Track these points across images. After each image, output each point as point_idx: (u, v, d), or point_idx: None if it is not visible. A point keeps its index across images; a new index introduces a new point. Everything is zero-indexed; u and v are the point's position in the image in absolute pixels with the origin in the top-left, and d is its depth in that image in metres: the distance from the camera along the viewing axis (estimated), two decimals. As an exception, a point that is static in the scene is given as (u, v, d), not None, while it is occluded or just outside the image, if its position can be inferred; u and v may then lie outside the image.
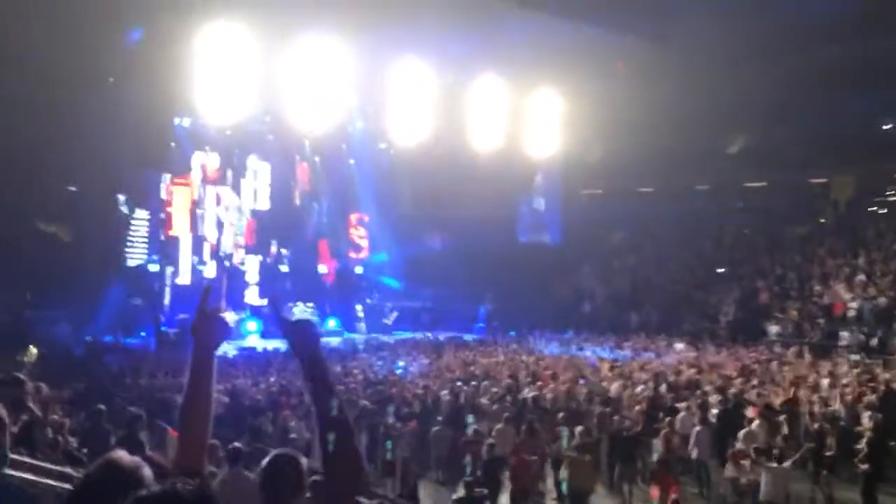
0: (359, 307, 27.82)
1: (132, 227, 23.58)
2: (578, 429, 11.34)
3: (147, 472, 1.97)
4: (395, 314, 28.50)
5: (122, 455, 2.01)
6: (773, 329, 23.24)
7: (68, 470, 6.49)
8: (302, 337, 2.16)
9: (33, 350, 16.16)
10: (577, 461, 10.69)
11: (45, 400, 10.26)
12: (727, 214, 30.43)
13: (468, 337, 26.29)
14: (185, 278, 25.18)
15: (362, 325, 27.39)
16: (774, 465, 10.38)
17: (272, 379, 16.54)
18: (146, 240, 24.03)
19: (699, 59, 27.01)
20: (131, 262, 23.06)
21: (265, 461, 3.02)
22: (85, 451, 9.03)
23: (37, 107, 19.68)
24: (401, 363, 19.09)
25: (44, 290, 20.03)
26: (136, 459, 2.01)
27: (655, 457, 11.60)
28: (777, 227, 28.78)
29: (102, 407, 10.13)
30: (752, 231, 29.47)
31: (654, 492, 10.29)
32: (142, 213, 24.09)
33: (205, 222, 26.24)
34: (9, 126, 19.51)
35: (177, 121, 23.85)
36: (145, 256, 23.67)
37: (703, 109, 27.61)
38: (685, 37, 25.99)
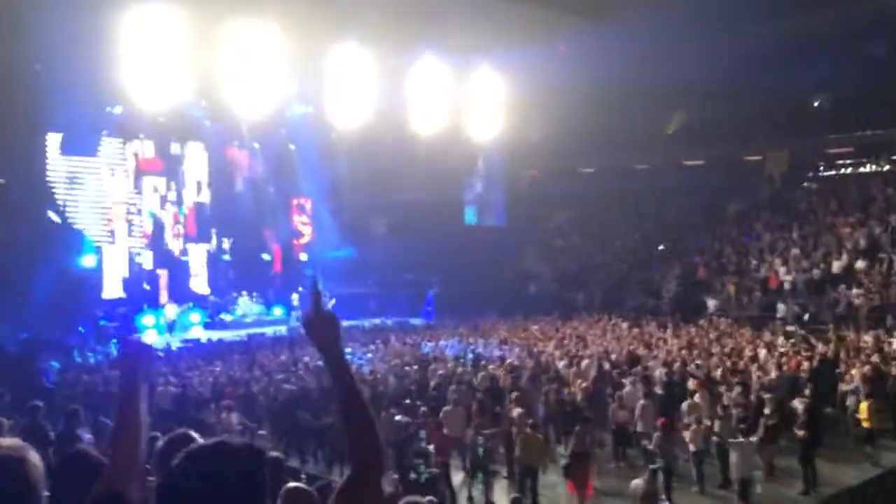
0: (294, 296, 27.59)
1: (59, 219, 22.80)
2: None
3: (34, 455, 1.94)
4: (332, 301, 28.23)
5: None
6: (712, 303, 23.83)
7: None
8: (324, 332, 2.14)
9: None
10: (528, 437, 10.82)
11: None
12: (667, 193, 31.01)
13: (416, 321, 26.30)
14: (121, 271, 24.54)
15: (277, 310, 27.13)
16: (741, 439, 10.61)
17: (217, 370, 16.28)
18: (76, 232, 23.25)
19: (637, 39, 27.33)
20: (54, 257, 22.23)
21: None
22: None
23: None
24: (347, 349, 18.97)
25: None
26: (20, 442, 1.97)
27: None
28: (715, 204, 29.47)
29: (39, 403, 9.82)
30: (691, 208, 30.11)
31: (569, 486, 10.48)
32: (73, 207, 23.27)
33: (141, 213, 25.56)
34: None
35: (108, 109, 23.04)
36: (75, 247, 22.92)
37: (642, 89, 28.01)
38: (622, 16, 26.24)
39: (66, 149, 22.55)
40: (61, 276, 21.94)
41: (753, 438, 10.85)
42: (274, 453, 5.71)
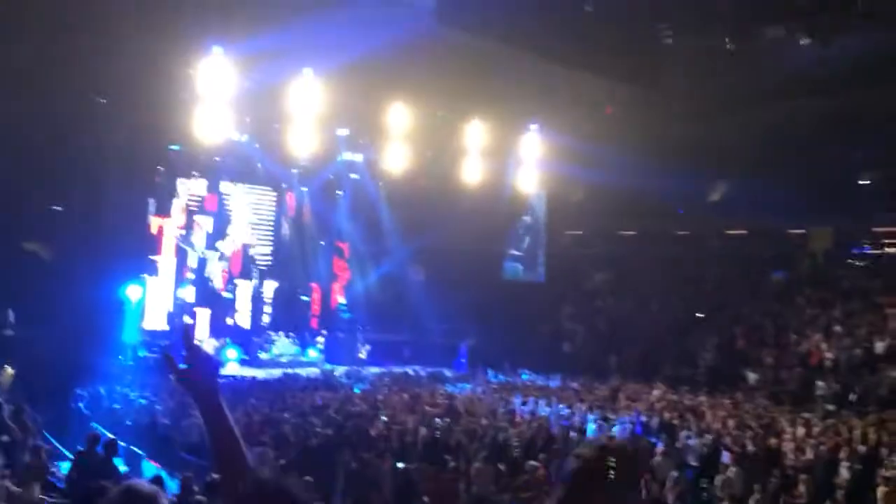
0: (320, 339, 27.89)
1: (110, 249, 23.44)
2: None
3: (164, 501, 2.06)
4: (367, 347, 28.43)
5: (141, 483, 2.10)
6: (752, 376, 23.45)
7: (46, 498, 6.49)
8: (202, 381, 2.21)
9: (9, 370, 16.00)
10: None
11: (25, 422, 10.21)
12: (707, 260, 30.82)
13: (448, 373, 26.29)
14: (165, 304, 25.05)
15: (312, 352, 27.28)
16: None
17: (250, 408, 16.44)
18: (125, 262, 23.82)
19: (684, 105, 27.64)
20: (102, 284, 22.83)
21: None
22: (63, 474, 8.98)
23: (26, 125, 19.70)
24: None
25: (26, 309, 19.86)
26: (155, 488, 2.09)
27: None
28: (756, 275, 29.18)
29: (99, 435, 10.06)
30: (732, 278, 29.83)
31: None
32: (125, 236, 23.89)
33: (189, 249, 26.16)
34: (2, 147, 19.53)
35: (169, 146, 23.98)
36: (122, 277, 23.47)
37: (686, 156, 28.14)
38: (671, 84, 26.60)
39: (122, 182, 23.29)
40: (106, 304, 22.53)
41: None
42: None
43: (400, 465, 11.41)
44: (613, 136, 27.32)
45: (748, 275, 29.41)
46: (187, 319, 24.78)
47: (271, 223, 28.74)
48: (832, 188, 28.01)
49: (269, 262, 28.35)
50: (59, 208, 22.39)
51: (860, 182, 28.61)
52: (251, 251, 27.98)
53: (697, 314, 28.54)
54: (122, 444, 11.71)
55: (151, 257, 24.82)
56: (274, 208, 28.79)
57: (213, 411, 2.27)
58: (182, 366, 2.31)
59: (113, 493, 2.08)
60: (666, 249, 31.65)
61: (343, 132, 26.79)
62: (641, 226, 32.44)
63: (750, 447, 14.55)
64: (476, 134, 28.36)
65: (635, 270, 31.61)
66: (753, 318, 26.83)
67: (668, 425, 16.57)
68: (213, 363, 2.37)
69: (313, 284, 29.52)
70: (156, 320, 24.53)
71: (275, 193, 28.69)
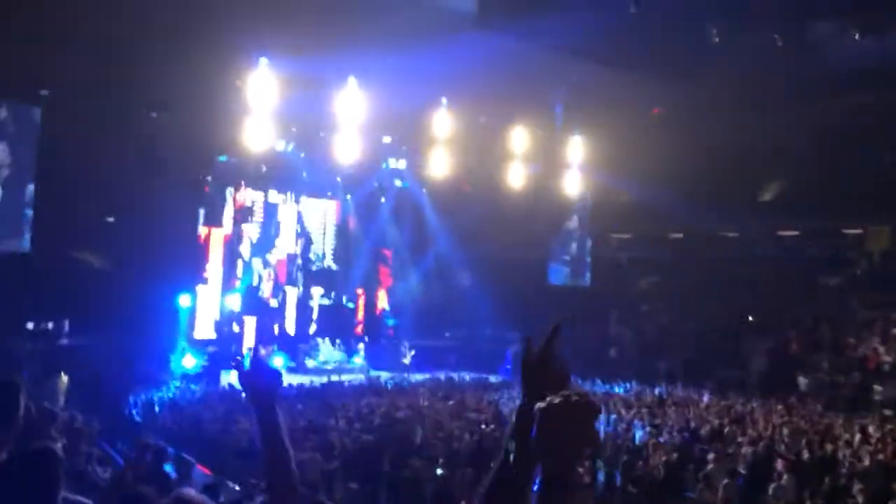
0: (360, 345, 28.09)
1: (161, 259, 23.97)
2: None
3: None
4: (412, 352, 28.50)
5: (191, 493, 2.13)
6: (804, 381, 22.84)
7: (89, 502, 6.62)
8: (263, 392, 2.25)
9: (64, 378, 16.44)
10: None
11: (78, 430, 10.45)
12: (759, 262, 30.14)
13: (493, 378, 26.18)
14: (213, 313, 25.49)
15: (357, 358, 27.43)
16: None
17: (297, 415, 16.60)
18: (175, 272, 24.32)
19: (733, 103, 27.09)
20: (153, 294, 23.39)
21: None
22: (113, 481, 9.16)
23: (78, 140, 20.30)
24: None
25: (80, 318, 20.43)
26: (204, 497, 2.12)
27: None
28: (810, 277, 28.43)
29: (164, 446, 10.25)
30: (785, 280, 29.12)
31: None
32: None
33: (236, 259, 26.59)
34: (54, 161, 20.17)
35: (220, 158, 24.50)
36: (172, 286, 23.98)
37: (736, 155, 27.59)
38: (719, 83, 26.09)
39: (172, 193, 23.79)
40: (158, 313, 23.08)
41: None
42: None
43: (440, 471, 11.38)
44: (660, 137, 26.92)
45: (802, 277, 28.68)
46: (235, 328, 25.22)
47: (317, 231, 29.04)
48: (889, 185, 27.13)
49: (315, 270, 28.64)
50: (111, 219, 22.98)
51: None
52: (297, 259, 28.32)
53: (748, 318, 27.94)
54: (172, 450, 11.92)
55: (201, 266, 25.29)
56: (319, 216, 29.08)
57: (269, 421, 2.33)
58: (247, 369, 2.39)
59: (166, 501, 2.14)
60: (716, 252, 31.06)
61: (387, 139, 27.00)
62: (690, 228, 31.90)
63: (804, 454, 14.15)
64: (520, 138, 28.29)
65: (684, 274, 31.07)
66: (808, 322, 26.16)
67: (718, 432, 16.22)
68: (276, 376, 2.42)
69: (358, 291, 29.74)
70: (205, 329, 24.98)
71: (320, 201, 28.99)
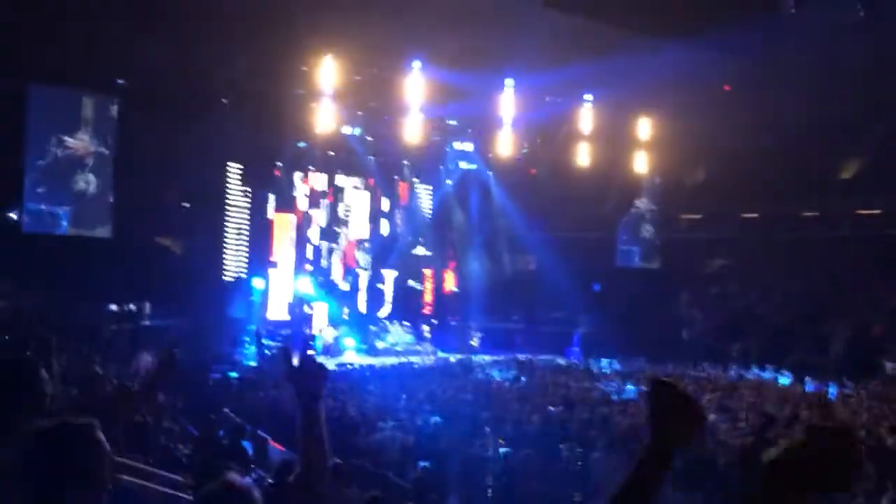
0: (426, 327, 28.25)
1: (235, 243, 24.61)
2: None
3: (258, 495, 2.16)
4: (478, 335, 28.56)
5: (237, 477, 2.21)
6: (889, 365, 22.00)
7: (178, 478, 6.89)
8: (309, 386, 2.31)
9: (148, 358, 17.08)
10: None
11: (159, 406, 10.89)
12: (838, 243, 29.05)
13: (562, 361, 26.06)
14: (286, 295, 26.03)
15: (427, 346, 27.55)
16: None
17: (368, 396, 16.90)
18: (248, 255, 24.92)
19: (809, 78, 26.10)
20: (228, 277, 24.04)
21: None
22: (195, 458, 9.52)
23: (156, 128, 20.97)
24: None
25: (160, 300, 21.20)
26: (249, 482, 2.20)
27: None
28: (892, 257, 27.25)
29: (213, 416, 10.65)
30: (866, 260, 28.01)
31: None
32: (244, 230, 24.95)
33: (307, 243, 27.06)
34: (133, 149, 20.92)
35: (299, 144, 24.96)
36: (245, 269, 24.59)
37: (814, 132, 26.61)
38: (795, 55, 25.16)
39: (244, 179, 24.40)
40: (234, 294, 23.78)
41: None
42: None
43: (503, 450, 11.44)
44: (731, 115, 26.15)
45: (883, 257, 27.52)
46: (307, 310, 25.72)
47: (385, 214, 29.31)
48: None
49: (383, 252, 28.95)
50: (187, 205, 23.72)
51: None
52: (365, 242, 28.66)
53: (826, 300, 27.01)
54: (249, 427, 12.29)
55: (273, 250, 25.86)
56: (387, 199, 29.33)
57: (311, 415, 2.39)
58: (295, 363, 2.44)
59: (213, 485, 2.21)
60: (791, 232, 30.08)
61: (453, 121, 27.01)
62: (765, 208, 30.96)
63: (887, 441, 13.67)
64: (588, 117, 27.91)
65: (758, 254, 30.19)
66: (891, 303, 25.14)
67: (796, 417, 15.79)
68: (323, 372, 2.46)
69: (426, 272, 29.95)
70: (278, 310, 25.57)
71: (388, 184, 29.23)
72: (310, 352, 2.56)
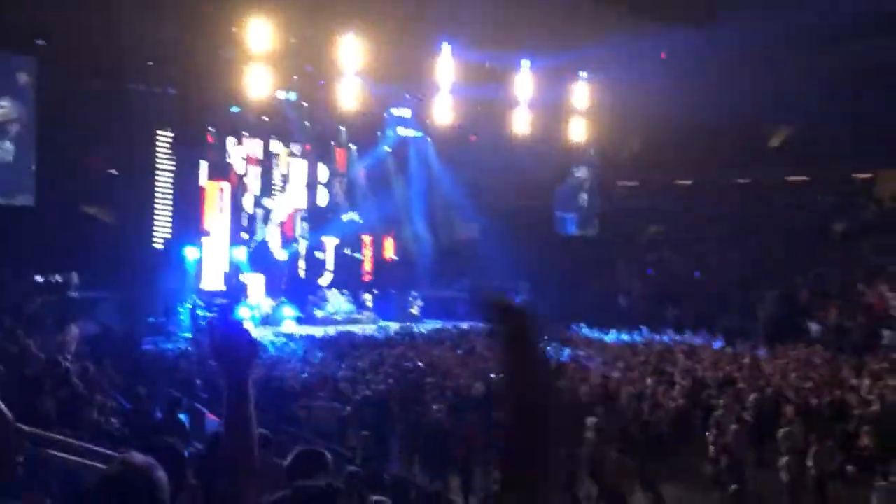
0: (367, 296, 28.13)
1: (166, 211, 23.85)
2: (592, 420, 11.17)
3: (161, 474, 2.01)
4: (419, 303, 28.53)
5: (137, 456, 2.06)
6: (814, 328, 22.85)
7: (110, 452, 6.63)
8: (236, 358, 2.19)
9: (75, 330, 16.50)
10: (616, 462, 10.49)
11: (90, 380, 10.53)
12: (768, 210, 29.92)
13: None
14: (221, 265, 25.42)
15: (367, 314, 27.42)
16: (883, 483, 9.58)
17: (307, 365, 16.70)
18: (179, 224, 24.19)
19: (742, 49, 26.57)
20: (158, 246, 23.30)
21: (291, 458, 3.04)
22: (127, 431, 9.23)
23: (81, 92, 20.05)
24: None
25: (89, 270, 20.44)
26: (150, 460, 2.05)
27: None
28: (819, 223, 28.24)
29: (141, 389, 10.32)
30: (794, 227, 28.96)
31: None
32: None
33: (241, 211, 26.41)
34: (55, 113, 19.92)
35: (232, 109, 24.19)
36: (177, 239, 23.89)
37: (745, 101, 27.16)
38: (729, 27, 25.55)
39: (175, 145, 23.57)
40: (165, 264, 23.07)
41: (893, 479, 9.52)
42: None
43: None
44: (668, 83, 26.47)
45: (811, 223, 28.49)
46: (243, 280, 25.18)
47: (322, 181, 28.80)
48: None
49: (321, 220, 28.50)
50: (114, 172, 22.83)
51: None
52: (303, 210, 28.16)
53: (756, 266, 27.84)
54: (186, 400, 11.98)
55: (205, 219, 25.16)
56: (324, 166, 28.80)
57: (238, 393, 2.25)
58: (219, 340, 2.29)
59: (112, 465, 2.07)
60: (724, 199, 30.84)
61: (389, 87, 26.53)
62: (699, 175, 31.61)
63: (812, 400, 14.19)
64: (525, 83, 27.82)
65: (693, 221, 30.90)
66: (816, 268, 26.06)
67: (728, 379, 16.27)
68: (253, 348, 2.31)
69: (364, 240, 29.67)
70: (213, 281, 24.96)
71: (324, 151, 28.69)
72: (245, 325, 2.39)
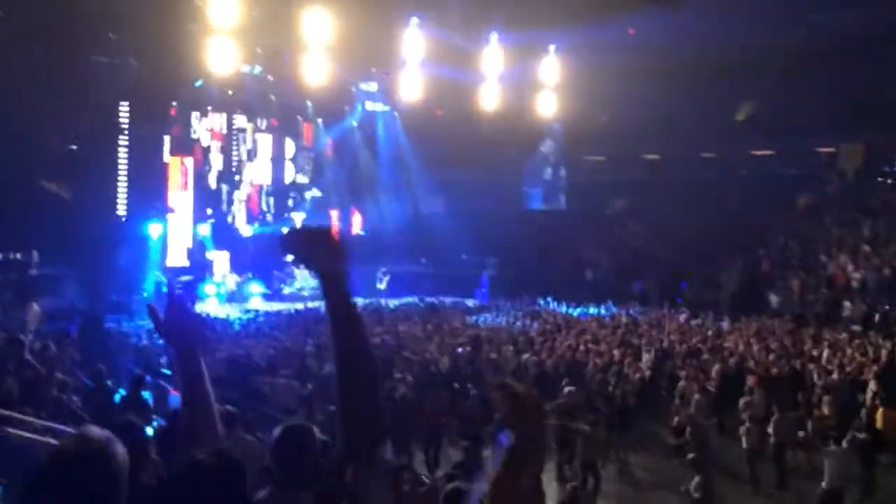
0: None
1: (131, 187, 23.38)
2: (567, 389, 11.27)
3: (119, 448, 1.95)
4: (386, 278, 28.44)
5: (95, 430, 2.00)
6: (775, 299, 23.23)
7: (72, 430, 6.53)
8: (183, 333, 2.18)
9: (35, 308, 16.18)
10: (589, 435, 10.56)
11: (51, 359, 10.32)
12: (733, 183, 30.25)
13: (470, 302, 26.32)
14: (185, 241, 25.09)
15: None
16: (834, 447, 9.81)
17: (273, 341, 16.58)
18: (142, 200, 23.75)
19: (707, 24, 26.67)
20: (120, 217, 22.86)
21: (278, 434, 2.99)
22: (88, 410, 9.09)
23: (39, 64, 19.47)
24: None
25: (49, 248, 20.02)
26: (107, 433, 1.99)
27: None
28: (783, 196, 28.62)
29: (102, 367, 10.15)
30: (758, 200, 29.32)
31: None
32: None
33: (206, 187, 26.02)
34: (11, 85, 19.32)
35: (196, 83, 23.64)
36: (139, 215, 23.47)
37: (712, 76, 27.31)
38: (696, 5, 25.63)
39: (137, 119, 23.06)
40: (127, 240, 22.66)
41: (845, 446, 9.86)
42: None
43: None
44: (635, 58, 26.49)
45: (775, 196, 28.85)
46: (208, 257, 24.89)
47: (288, 155, 28.47)
48: (863, 104, 27.13)
49: (288, 195, 28.22)
50: (74, 147, 22.30)
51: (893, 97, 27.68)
52: (268, 185, 27.84)
53: (721, 239, 28.17)
54: (149, 378, 11.85)
55: (169, 194, 24.75)
56: (290, 140, 28.46)
57: (191, 371, 2.25)
58: (164, 318, 2.27)
59: (67, 439, 2.01)
60: (690, 172, 31.10)
61: (356, 61, 26.19)
62: (665, 149, 31.81)
63: (773, 370, 14.46)
64: (494, 58, 27.64)
65: (659, 195, 31.11)
66: (779, 241, 26.45)
67: (692, 350, 16.51)
68: (198, 320, 2.31)
69: (331, 215, 29.44)
70: (177, 257, 24.62)
71: (290, 126, 28.32)
72: (195, 305, 2.37)
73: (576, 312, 23.84)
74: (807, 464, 11.10)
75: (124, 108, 22.76)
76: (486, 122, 28.29)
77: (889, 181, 27.74)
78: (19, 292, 17.79)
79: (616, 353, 15.83)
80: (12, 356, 9.73)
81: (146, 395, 10.28)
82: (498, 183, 29.95)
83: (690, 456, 9.77)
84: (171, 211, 24.60)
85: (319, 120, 28.68)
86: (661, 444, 12.48)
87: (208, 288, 23.83)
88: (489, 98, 27.94)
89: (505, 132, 28.72)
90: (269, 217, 27.75)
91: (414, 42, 25.57)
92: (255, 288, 25.36)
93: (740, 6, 25.66)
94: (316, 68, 24.03)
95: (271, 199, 27.90)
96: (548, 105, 29.91)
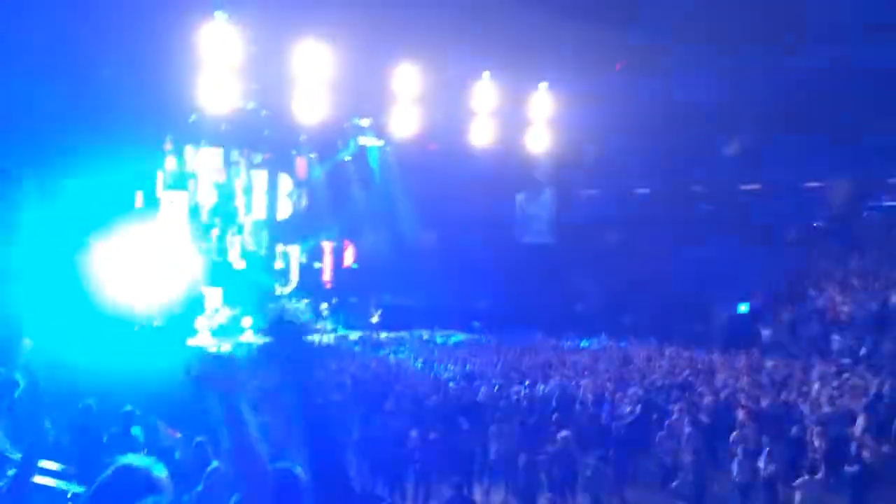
0: (324, 305, 27.89)
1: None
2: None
3: (160, 473, 2.01)
4: (378, 312, 28.46)
5: (134, 458, 2.05)
6: (765, 332, 23.33)
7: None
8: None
9: (27, 341, 16.10)
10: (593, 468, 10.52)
11: (40, 394, 10.26)
12: (723, 216, 30.49)
13: (462, 336, 26.32)
14: (178, 277, 25.01)
15: (326, 323, 27.15)
16: (805, 478, 9.95)
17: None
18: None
19: (697, 59, 27.14)
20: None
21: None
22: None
23: (31, 98, 19.57)
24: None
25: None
26: (148, 462, 2.05)
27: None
28: (771, 230, 28.84)
29: (91, 403, 10.06)
30: (747, 234, 29.51)
31: None
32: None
33: (199, 222, 26.06)
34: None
35: (191, 118, 23.78)
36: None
37: (701, 111, 27.68)
38: (685, 36, 26.09)
39: (133, 153, 23.12)
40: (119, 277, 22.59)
41: (819, 476, 10.06)
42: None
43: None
44: (625, 93, 26.88)
45: (764, 230, 29.07)
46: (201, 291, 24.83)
47: (283, 190, 28.63)
48: (850, 141, 27.50)
49: (282, 230, 28.31)
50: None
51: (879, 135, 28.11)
52: (262, 219, 27.94)
53: (711, 272, 28.32)
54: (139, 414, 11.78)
55: (164, 231, 24.73)
56: (284, 175, 28.64)
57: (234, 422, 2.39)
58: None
59: (107, 473, 2.06)
60: (681, 207, 31.34)
61: (350, 96, 26.49)
62: (656, 184, 32.08)
63: (765, 403, 14.50)
64: (485, 94, 28.02)
65: (649, 229, 31.27)
66: (769, 274, 26.61)
67: (682, 384, 16.54)
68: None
69: (325, 247, 29.53)
70: (168, 293, 24.52)
71: (285, 160, 28.52)
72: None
73: (567, 345, 23.88)
74: (798, 497, 11.07)
75: (117, 145, 22.77)
76: (477, 158, 28.58)
77: (875, 216, 28.03)
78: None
79: (609, 385, 15.86)
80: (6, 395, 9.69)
81: (136, 431, 10.23)
82: (490, 217, 30.12)
83: (675, 484, 9.81)
84: (166, 248, 24.55)
85: (313, 154, 28.90)
86: (651, 477, 12.48)
87: (200, 322, 23.81)
88: (482, 133, 28.29)
89: (496, 167, 29.00)
90: (264, 251, 27.80)
91: (407, 78, 25.92)
92: (247, 321, 25.31)
93: (730, 40, 26.13)
94: (310, 103, 24.34)
95: (266, 233, 27.96)
96: (540, 139, 30.25)
